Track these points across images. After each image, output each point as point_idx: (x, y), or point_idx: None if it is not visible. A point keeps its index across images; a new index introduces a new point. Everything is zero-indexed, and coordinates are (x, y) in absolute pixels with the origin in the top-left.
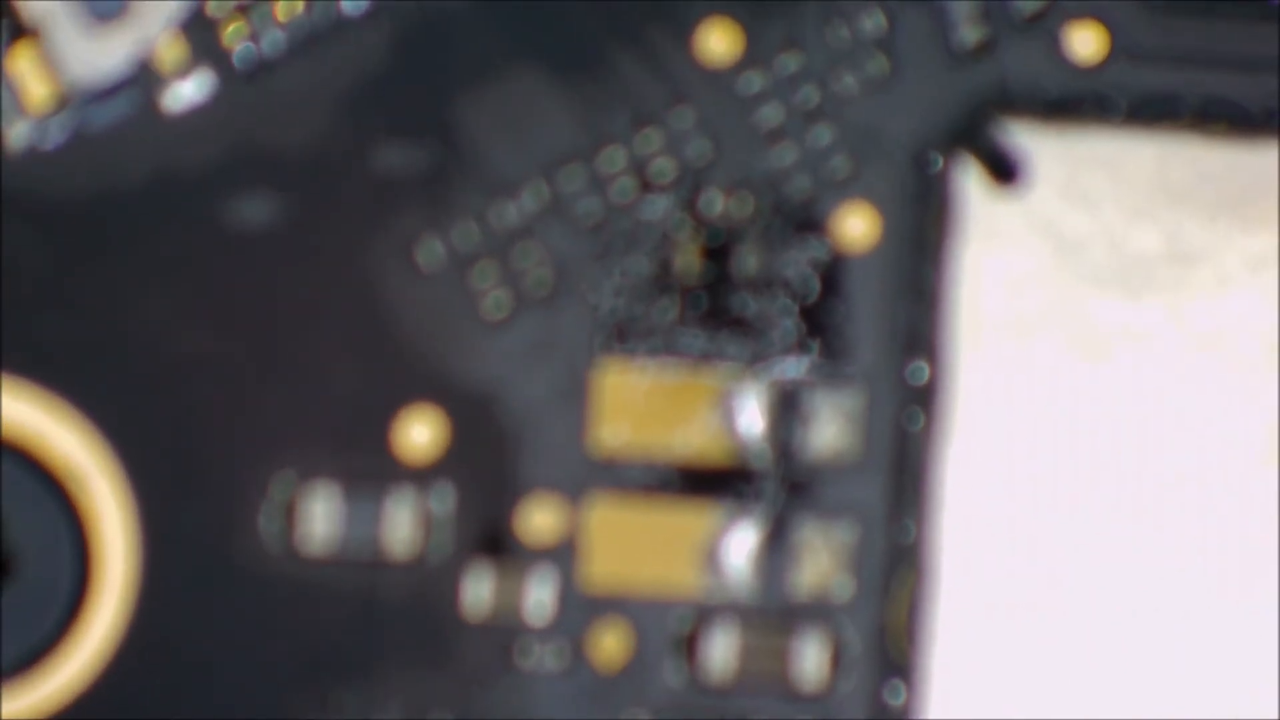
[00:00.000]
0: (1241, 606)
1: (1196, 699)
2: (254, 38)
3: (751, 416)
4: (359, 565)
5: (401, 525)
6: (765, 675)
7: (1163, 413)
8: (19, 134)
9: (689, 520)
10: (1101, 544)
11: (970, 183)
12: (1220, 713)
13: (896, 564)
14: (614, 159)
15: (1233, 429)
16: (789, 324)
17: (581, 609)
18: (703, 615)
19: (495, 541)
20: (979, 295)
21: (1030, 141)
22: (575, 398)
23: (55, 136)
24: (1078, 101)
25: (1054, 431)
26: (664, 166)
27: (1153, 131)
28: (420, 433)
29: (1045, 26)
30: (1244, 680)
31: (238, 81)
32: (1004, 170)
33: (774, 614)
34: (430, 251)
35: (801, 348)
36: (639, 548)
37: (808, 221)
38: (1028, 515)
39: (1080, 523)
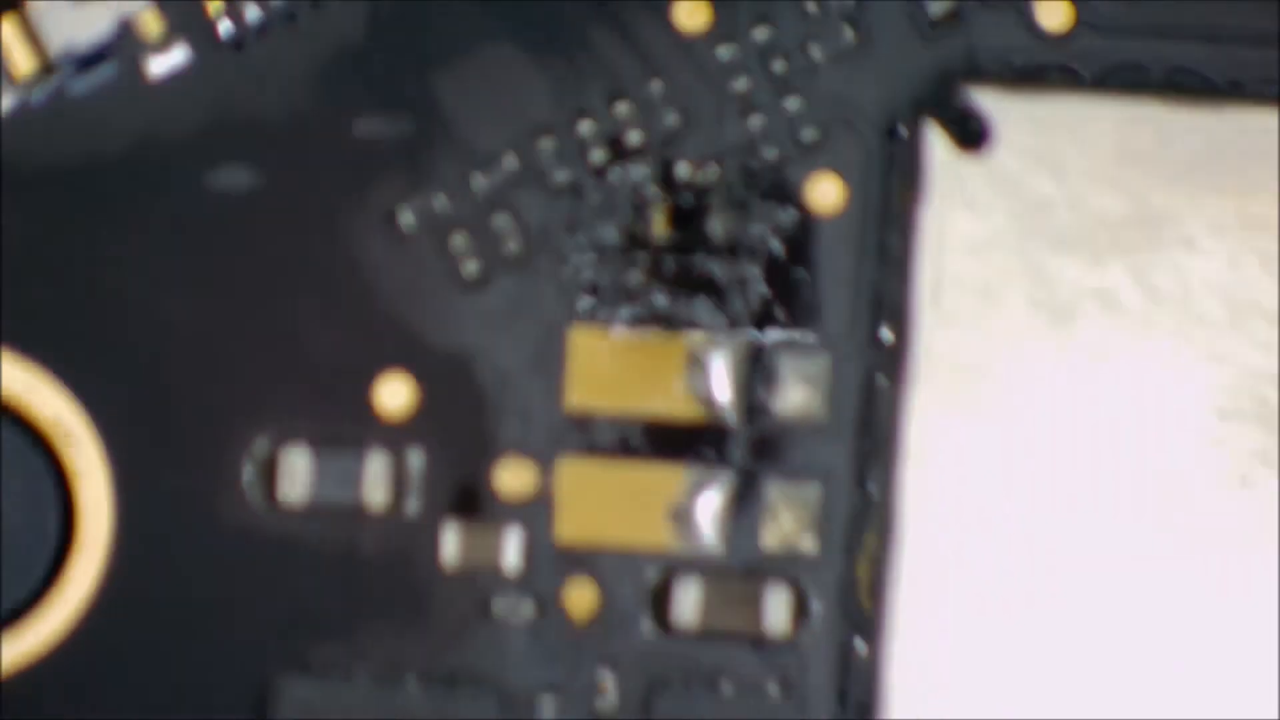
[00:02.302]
0: (1201, 562)
1: (1157, 653)
2: (236, 8)
3: (720, 379)
4: (336, 523)
5: (378, 483)
6: (732, 628)
7: (1125, 373)
8: (4, 102)
9: (659, 479)
10: (1063, 502)
11: (936, 148)
12: (1184, 664)
13: (861, 522)
14: (588, 129)
15: (1195, 389)
16: (757, 289)
17: (554, 564)
18: (672, 570)
19: (470, 499)
20: (944, 258)
21: (994, 107)
22: (548, 359)
23: (39, 104)
24: (1044, 72)
25: (1017, 392)
26: (636, 136)
27: (1117, 98)
28: (397, 393)
29: None
30: (1201, 628)
31: (220, 51)
32: (969, 135)
33: (741, 570)
34: (407, 218)
35: (769, 313)
36: (610, 505)
37: (776, 189)
38: (991, 474)
39: (1043, 482)
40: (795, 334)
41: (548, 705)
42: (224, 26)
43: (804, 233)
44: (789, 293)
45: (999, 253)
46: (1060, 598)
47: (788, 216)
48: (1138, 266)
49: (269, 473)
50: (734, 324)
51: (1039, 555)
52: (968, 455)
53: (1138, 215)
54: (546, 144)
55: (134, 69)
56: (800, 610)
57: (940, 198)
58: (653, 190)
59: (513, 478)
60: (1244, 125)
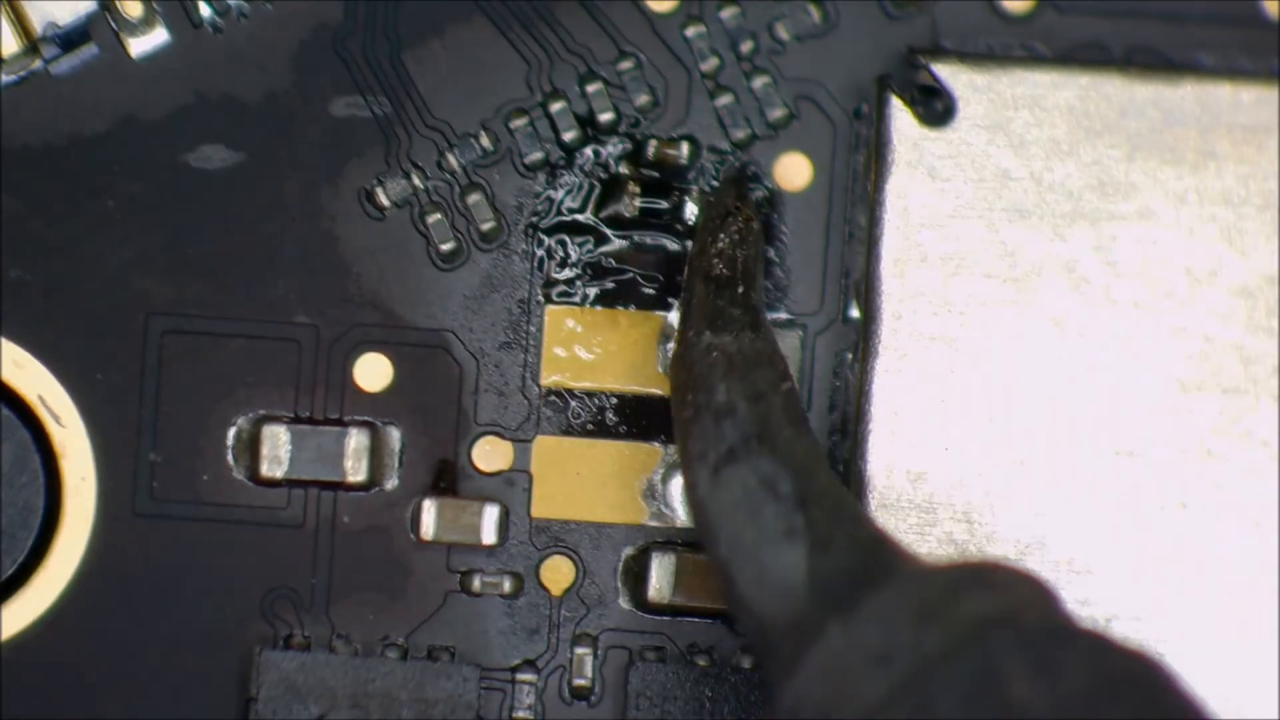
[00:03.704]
0: (1163, 532)
1: (1124, 624)
2: None
3: None
4: (316, 500)
5: (358, 460)
6: (706, 603)
7: (1087, 344)
8: None
9: (633, 455)
10: (1027, 472)
11: (900, 124)
12: (1150, 635)
13: None
14: (559, 109)
15: (1156, 360)
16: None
17: (531, 539)
18: (647, 545)
19: (448, 473)
20: (909, 232)
21: (956, 82)
22: (524, 337)
23: (22, 84)
24: (1008, 50)
25: (981, 363)
26: (607, 116)
27: (1077, 72)
28: (375, 370)
29: None
30: (1166, 598)
31: (199, 32)
32: (931, 110)
33: None
34: (383, 197)
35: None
36: (586, 481)
37: (745, 167)
38: (958, 444)
39: (1007, 452)
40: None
41: (525, 679)
42: (204, 8)
43: (772, 210)
44: None
45: (962, 225)
46: (1031, 564)
47: (757, 195)
48: (1098, 239)
49: (250, 449)
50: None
51: (1005, 526)
52: (935, 424)
53: (1098, 187)
54: (519, 123)
55: (116, 49)
56: None
57: (904, 173)
58: (624, 169)
59: (490, 455)
60: (1202, 99)
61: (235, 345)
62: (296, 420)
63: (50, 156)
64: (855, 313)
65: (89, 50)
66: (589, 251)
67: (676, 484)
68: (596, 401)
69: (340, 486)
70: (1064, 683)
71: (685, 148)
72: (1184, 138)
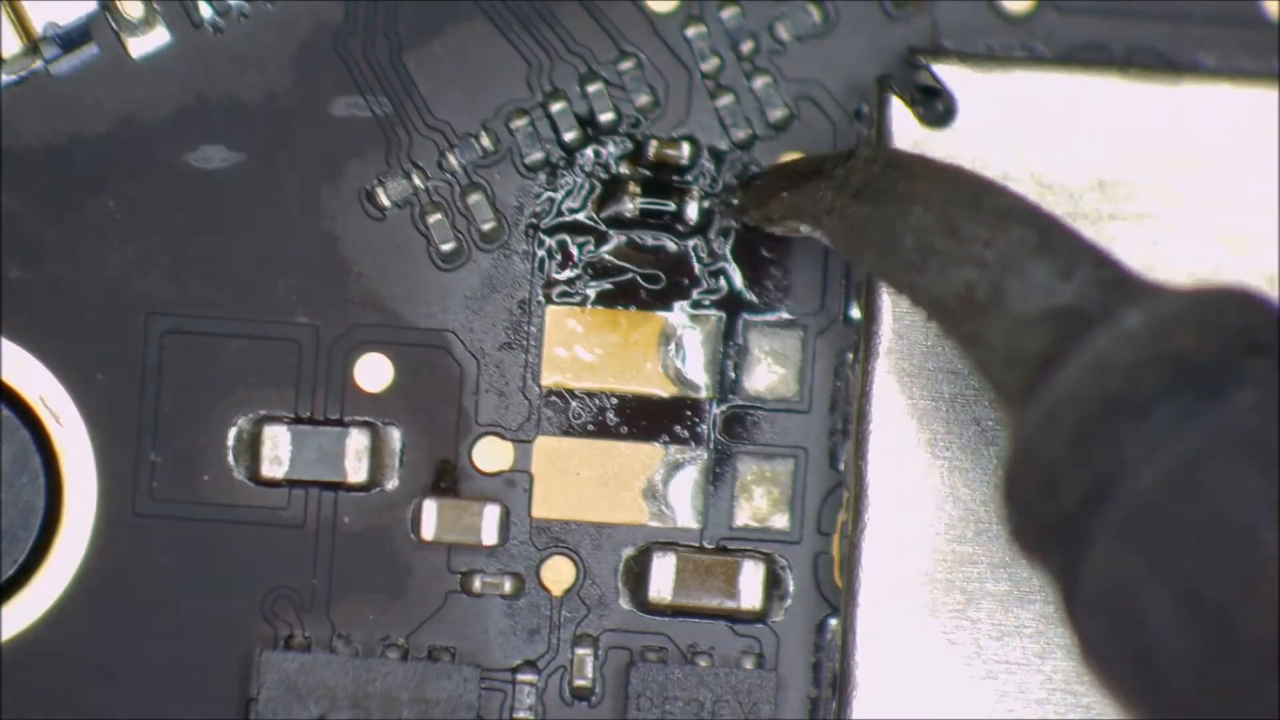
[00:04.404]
0: None
1: None
2: None
3: (693, 357)
4: (317, 500)
5: (358, 460)
6: (706, 603)
7: None
8: None
9: (634, 456)
10: None
11: (900, 125)
12: None
13: (832, 497)
14: (560, 109)
15: None
16: (729, 268)
17: (531, 537)
18: (647, 546)
19: (449, 473)
20: None
21: (956, 81)
22: (524, 338)
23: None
24: (1008, 51)
25: None
26: (608, 116)
27: (1077, 72)
28: (375, 370)
29: None
30: None
31: (200, 33)
32: (931, 110)
33: (714, 543)
34: (384, 198)
35: (740, 292)
36: (586, 482)
37: (746, 167)
38: (957, 447)
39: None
40: (767, 312)
41: (526, 679)
42: (204, 8)
43: None
44: (760, 271)
45: None
46: (1027, 571)
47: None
48: (1099, 239)
49: (251, 449)
50: (706, 303)
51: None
52: (934, 427)
53: (1098, 188)
54: (520, 123)
55: (116, 50)
56: (773, 585)
57: None
58: (625, 169)
59: (490, 455)
60: (1202, 99)
61: (236, 345)
62: (297, 420)
63: (50, 156)
64: (856, 313)
65: (89, 50)
66: (590, 252)
67: (677, 484)
68: (597, 402)
69: (341, 487)
70: None
71: (686, 148)
72: (1184, 138)
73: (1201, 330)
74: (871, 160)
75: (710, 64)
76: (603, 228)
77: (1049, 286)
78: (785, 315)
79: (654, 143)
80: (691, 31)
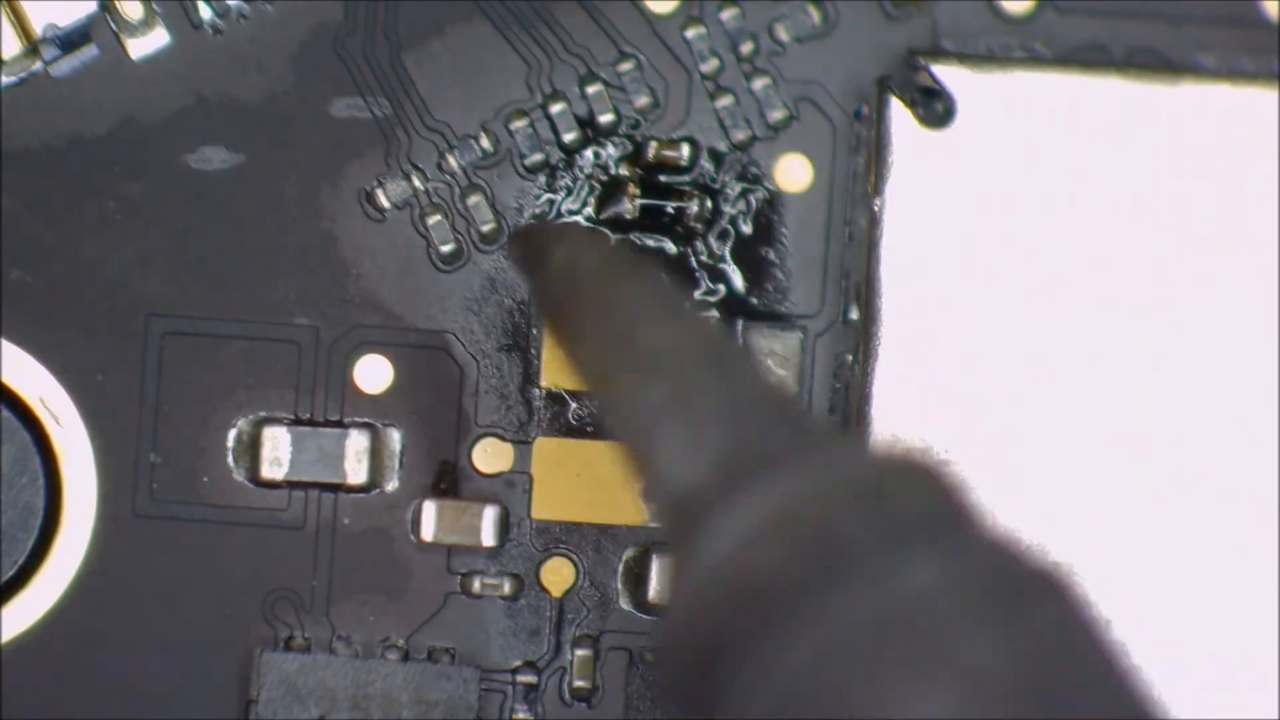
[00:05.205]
0: (1168, 528)
1: (1131, 611)
2: None
3: None
4: (317, 499)
5: (358, 460)
6: None
7: (1088, 344)
8: None
9: None
10: (1031, 473)
11: (900, 125)
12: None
13: None
14: (560, 110)
15: (1156, 359)
16: (728, 269)
17: (531, 538)
18: (647, 547)
19: (448, 475)
20: (908, 233)
21: (956, 82)
22: (524, 339)
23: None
24: (1008, 52)
25: (983, 363)
26: (607, 117)
27: (1077, 73)
28: (375, 371)
29: None
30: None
31: (200, 34)
32: (931, 111)
33: None
34: (383, 199)
35: (739, 293)
36: (586, 483)
37: (745, 169)
38: (958, 445)
39: (1010, 454)
40: (766, 314)
41: (526, 680)
42: (204, 9)
43: (773, 211)
44: (760, 273)
45: (963, 227)
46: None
47: (757, 195)
48: (1099, 240)
49: (251, 451)
50: (705, 304)
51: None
52: (934, 428)
53: (1098, 188)
54: (520, 125)
55: (116, 51)
56: None
57: (905, 174)
58: (624, 171)
59: (490, 456)
60: (1202, 99)
61: (235, 346)
62: (297, 422)
63: (50, 158)
64: (855, 314)
65: (89, 52)
66: None
67: None
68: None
69: (341, 488)
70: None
71: (685, 149)
72: (1184, 138)
73: (791, 542)
74: (564, 271)
75: (710, 65)
76: (602, 229)
77: (680, 456)
78: (784, 315)
79: (654, 144)
80: (691, 33)
